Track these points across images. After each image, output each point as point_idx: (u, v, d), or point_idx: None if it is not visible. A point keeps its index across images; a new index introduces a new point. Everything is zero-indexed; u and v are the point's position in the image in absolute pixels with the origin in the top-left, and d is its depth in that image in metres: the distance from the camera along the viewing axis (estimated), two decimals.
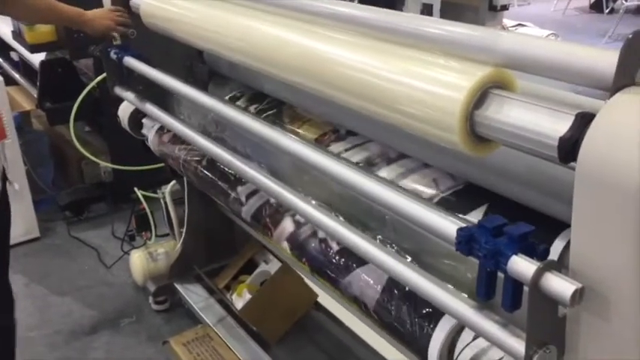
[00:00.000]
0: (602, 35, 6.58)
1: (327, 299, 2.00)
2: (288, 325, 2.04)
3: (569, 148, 0.78)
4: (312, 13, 1.29)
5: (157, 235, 2.61)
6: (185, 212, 2.30)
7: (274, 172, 1.44)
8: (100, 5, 2.01)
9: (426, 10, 3.92)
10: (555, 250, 0.95)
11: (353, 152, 1.42)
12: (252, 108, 1.74)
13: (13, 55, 3.91)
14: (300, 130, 1.56)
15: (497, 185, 1.14)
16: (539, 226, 0.88)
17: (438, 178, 1.26)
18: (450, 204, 1.17)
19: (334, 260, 1.28)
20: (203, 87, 1.91)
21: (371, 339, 1.81)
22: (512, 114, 0.87)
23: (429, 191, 1.22)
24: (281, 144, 1.31)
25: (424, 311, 1.06)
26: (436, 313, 1.04)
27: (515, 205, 1.10)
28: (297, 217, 1.40)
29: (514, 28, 5.62)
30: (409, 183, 1.27)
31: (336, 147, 1.45)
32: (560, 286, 0.75)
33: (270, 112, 1.69)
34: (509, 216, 0.89)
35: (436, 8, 3.86)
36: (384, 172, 1.32)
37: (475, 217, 1.11)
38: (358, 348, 1.89)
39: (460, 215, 1.07)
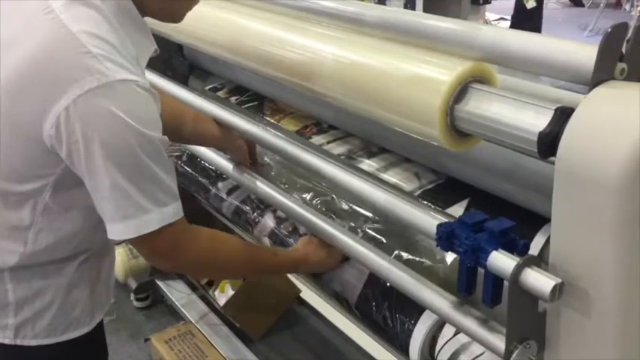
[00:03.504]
0: (583, 29, 6.63)
1: (310, 294, 1.99)
2: (271, 321, 2.03)
3: (548, 142, 0.78)
4: (292, 7, 1.27)
5: None
6: None
7: None
8: None
9: (410, 3, 3.91)
10: (536, 246, 0.95)
11: (335, 145, 1.41)
12: (232, 99, 1.72)
13: None
14: (281, 123, 1.55)
15: (479, 180, 1.14)
16: (521, 221, 0.88)
17: (419, 172, 1.25)
18: (431, 197, 1.16)
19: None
20: (183, 81, 1.89)
21: (354, 334, 1.80)
22: (492, 108, 0.86)
23: (410, 184, 1.22)
24: (259, 137, 1.30)
25: (405, 307, 1.06)
26: (417, 309, 1.04)
27: (497, 199, 1.10)
28: (279, 213, 1.39)
29: (496, 22, 5.65)
30: (391, 176, 1.26)
31: (317, 139, 1.44)
32: (540, 281, 0.75)
33: (250, 104, 1.67)
34: (491, 210, 0.89)
35: (419, 1, 3.86)
36: (366, 165, 1.31)
37: (456, 210, 1.11)
38: (342, 343, 1.89)
39: (441, 210, 1.07)
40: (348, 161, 1.31)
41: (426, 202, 1.13)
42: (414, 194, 1.19)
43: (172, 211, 0.93)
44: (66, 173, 0.92)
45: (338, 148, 1.39)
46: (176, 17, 1.02)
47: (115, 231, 0.92)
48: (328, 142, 1.43)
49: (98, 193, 0.89)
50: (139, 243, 0.94)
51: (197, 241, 1.01)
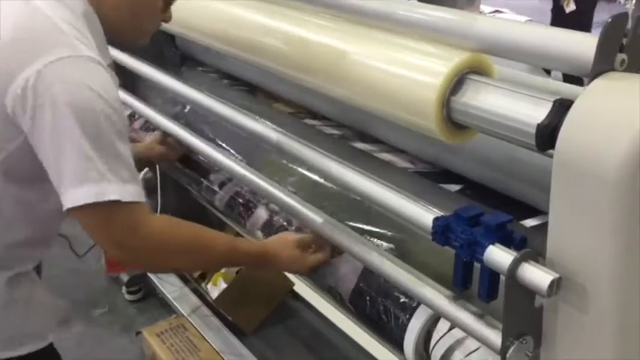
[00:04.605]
0: None
1: (303, 288, 1.97)
2: (264, 315, 2.01)
3: (547, 135, 0.76)
4: None
5: None
6: (158, 200, 2.25)
7: (241, 152, 1.42)
8: None
9: None
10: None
11: (328, 127, 1.41)
12: (224, 82, 1.71)
13: None
14: (274, 106, 1.54)
15: (473, 172, 1.13)
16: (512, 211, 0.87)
17: (414, 162, 1.25)
18: (425, 176, 1.16)
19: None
20: (175, 71, 1.87)
21: (348, 328, 1.79)
22: (489, 100, 0.85)
23: (404, 164, 1.22)
24: (247, 126, 1.28)
25: (400, 301, 1.05)
26: (412, 304, 1.03)
27: (492, 191, 1.09)
28: (272, 205, 1.37)
29: (491, 15, 5.62)
30: (384, 156, 1.26)
31: (311, 121, 1.44)
32: (537, 276, 0.74)
33: (243, 88, 1.66)
34: (483, 196, 0.87)
35: None
36: (360, 146, 1.31)
37: (451, 189, 1.12)
38: (335, 337, 1.88)
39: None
40: (344, 141, 1.30)
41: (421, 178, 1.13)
42: (407, 171, 1.19)
43: (133, 191, 0.91)
44: (20, 153, 0.92)
45: (331, 129, 1.39)
46: (145, 35, 1.08)
47: (73, 197, 0.88)
48: (322, 125, 1.42)
49: (60, 156, 0.88)
50: (92, 215, 0.90)
51: (152, 228, 0.96)
